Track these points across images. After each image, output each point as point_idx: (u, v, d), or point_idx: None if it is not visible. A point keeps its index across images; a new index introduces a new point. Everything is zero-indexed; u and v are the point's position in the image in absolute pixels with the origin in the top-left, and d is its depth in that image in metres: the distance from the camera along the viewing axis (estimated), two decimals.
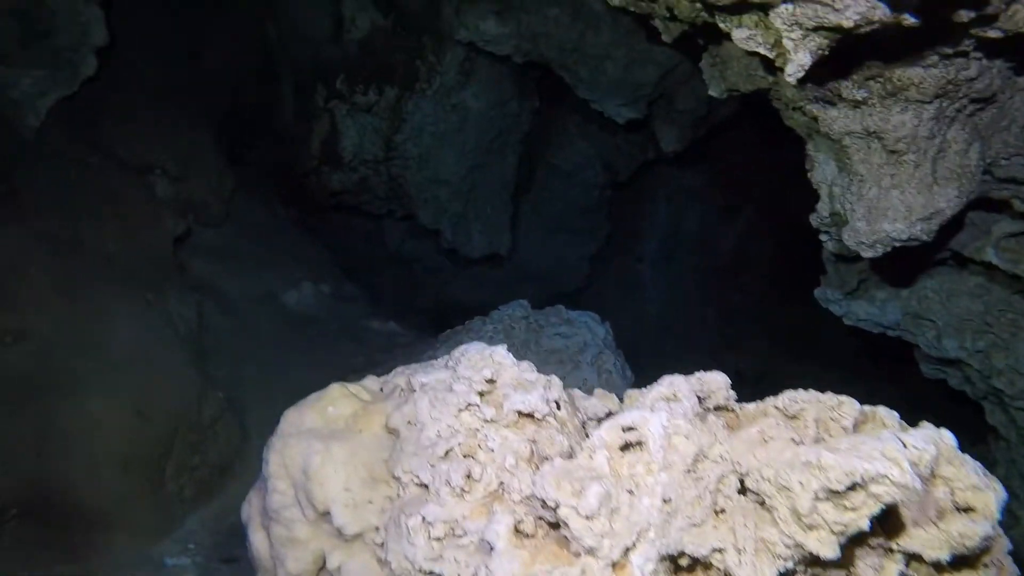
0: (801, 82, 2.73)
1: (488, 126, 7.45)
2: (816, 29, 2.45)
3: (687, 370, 1.88)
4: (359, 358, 5.60)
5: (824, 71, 2.93)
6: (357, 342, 5.86)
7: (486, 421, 1.87)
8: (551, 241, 10.03)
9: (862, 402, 1.82)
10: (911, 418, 1.84)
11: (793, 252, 12.09)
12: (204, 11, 6.65)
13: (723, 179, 10.25)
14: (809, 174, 3.82)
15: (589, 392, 2.26)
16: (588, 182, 9.38)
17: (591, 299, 11.08)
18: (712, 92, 3.55)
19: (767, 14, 2.56)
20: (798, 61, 2.52)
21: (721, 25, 2.69)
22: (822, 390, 1.86)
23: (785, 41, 2.54)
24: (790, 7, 2.44)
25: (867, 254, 3.40)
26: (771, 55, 2.71)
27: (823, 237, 3.96)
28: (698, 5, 2.80)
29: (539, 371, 2.01)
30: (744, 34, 2.59)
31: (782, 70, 2.64)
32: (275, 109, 7.67)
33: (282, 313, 6.02)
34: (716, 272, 10.94)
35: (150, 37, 6.23)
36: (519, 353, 4.68)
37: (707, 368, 1.88)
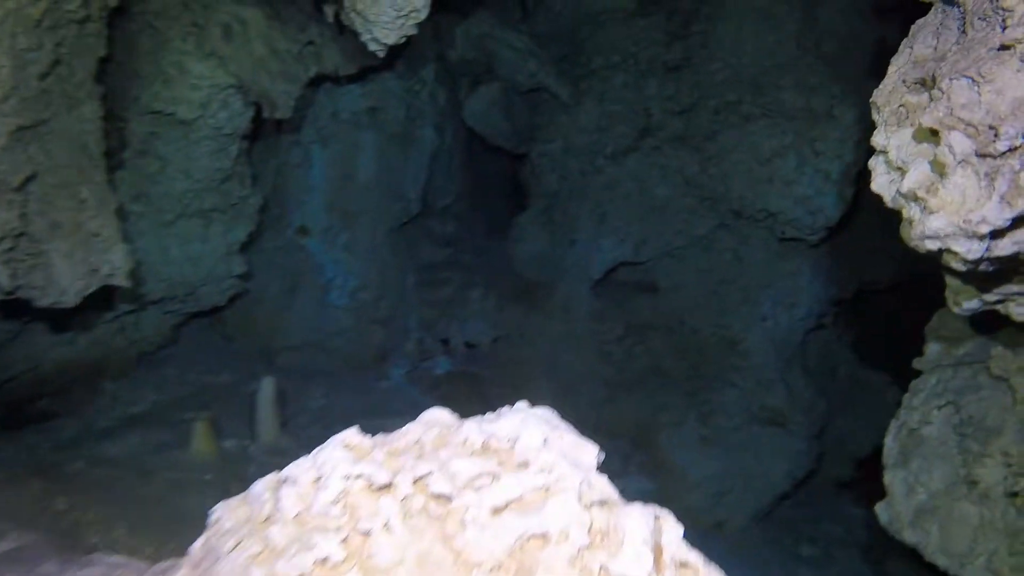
0: None
1: (36, 44, 3.55)
2: None
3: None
4: None
5: None
6: None
7: None
8: (172, 235, 6.23)
9: None
10: None
11: (490, 186, 9.72)
12: None
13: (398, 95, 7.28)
14: None
15: None
16: (220, 130, 5.75)
17: (247, 308, 7.45)
18: None
19: None
20: None
21: None
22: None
23: None
24: None
25: None
26: None
27: None
28: None
29: None
30: None
31: None
32: None
33: None
34: (406, 226, 8.08)
35: None
36: None
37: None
